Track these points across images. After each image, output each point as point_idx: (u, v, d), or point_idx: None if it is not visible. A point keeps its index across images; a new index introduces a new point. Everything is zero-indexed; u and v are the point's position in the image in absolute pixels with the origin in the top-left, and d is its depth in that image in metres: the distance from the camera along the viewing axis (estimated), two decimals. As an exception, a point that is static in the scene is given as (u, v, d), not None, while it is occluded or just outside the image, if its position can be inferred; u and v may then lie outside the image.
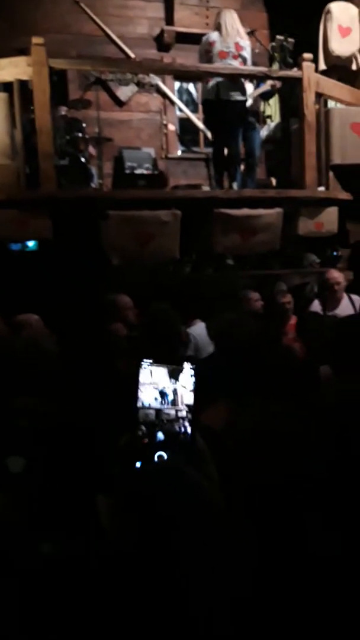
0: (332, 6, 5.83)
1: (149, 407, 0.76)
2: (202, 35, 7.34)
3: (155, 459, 0.73)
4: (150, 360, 0.78)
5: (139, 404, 0.76)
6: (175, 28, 7.34)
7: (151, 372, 0.78)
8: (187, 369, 0.78)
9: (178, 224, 4.92)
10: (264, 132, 6.46)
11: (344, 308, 4.42)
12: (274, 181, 6.19)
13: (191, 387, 0.77)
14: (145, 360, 0.78)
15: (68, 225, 4.72)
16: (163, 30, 7.35)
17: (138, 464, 0.73)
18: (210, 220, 5.03)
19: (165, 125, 7.53)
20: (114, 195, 5.60)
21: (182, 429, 0.76)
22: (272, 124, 6.76)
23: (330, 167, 5.45)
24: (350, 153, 5.42)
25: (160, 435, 0.74)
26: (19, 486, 1.23)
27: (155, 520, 0.68)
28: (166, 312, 2.86)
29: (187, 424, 0.76)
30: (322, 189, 5.45)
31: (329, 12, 5.83)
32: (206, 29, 7.49)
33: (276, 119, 6.81)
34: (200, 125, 7.75)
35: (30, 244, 5.13)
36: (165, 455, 0.73)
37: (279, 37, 6.34)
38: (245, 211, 5.12)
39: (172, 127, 7.62)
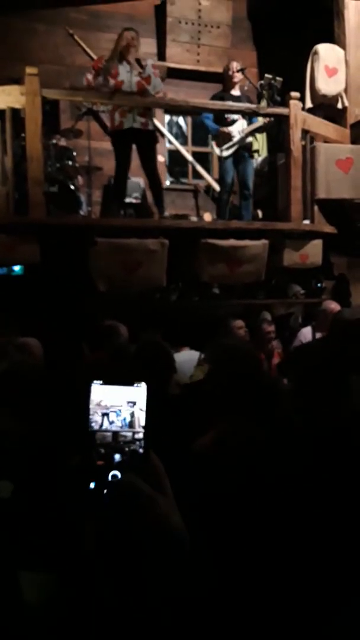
0: (320, 47, 6.03)
1: (106, 430, 0.76)
2: (193, 71, 7.61)
3: (109, 478, 0.73)
4: (101, 381, 0.78)
5: (95, 427, 0.76)
6: (166, 63, 7.53)
7: (106, 393, 0.78)
8: (142, 389, 0.79)
9: (165, 252, 4.97)
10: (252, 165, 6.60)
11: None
12: (260, 213, 6.29)
13: (144, 407, 0.78)
14: (95, 381, 0.78)
15: (56, 251, 4.75)
16: (155, 66, 7.53)
17: (92, 485, 0.73)
18: (197, 250, 5.09)
19: (155, 157, 7.65)
20: (103, 222, 5.66)
21: (139, 450, 0.76)
22: (259, 158, 6.91)
23: (315, 201, 5.57)
24: (334, 188, 5.56)
25: (117, 457, 0.75)
26: (7, 511, 1.21)
27: (113, 535, 0.68)
28: (160, 346, 2.79)
29: (143, 444, 0.76)
30: (307, 222, 5.55)
31: (316, 52, 6.03)
32: (197, 65, 7.72)
33: (263, 153, 6.97)
34: (189, 157, 7.90)
35: (17, 268, 5.14)
36: (119, 474, 0.73)
37: (267, 75, 6.55)
38: (231, 242, 5.19)
39: (161, 158, 7.73)
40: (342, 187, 5.59)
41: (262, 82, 6.74)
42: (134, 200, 6.51)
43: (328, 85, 6.01)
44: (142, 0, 7.64)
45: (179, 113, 7.93)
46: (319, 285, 5.73)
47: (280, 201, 5.79)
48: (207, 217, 6.54)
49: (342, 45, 6.13)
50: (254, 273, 5.30)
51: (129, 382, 0.78)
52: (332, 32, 6.25)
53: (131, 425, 0.76)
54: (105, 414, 0.75)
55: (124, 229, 5.08)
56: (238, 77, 5.98)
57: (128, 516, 0.68)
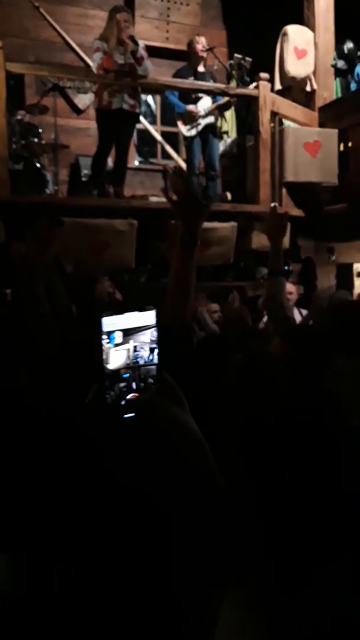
0: (289, 28, 6.00)
1: (125, 367, 0.77)
2: (162, 48, 7.49)
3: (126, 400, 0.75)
4: (112, 312, 0.78)
5: (114, 366, 0.76)
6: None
7: (118, 322, 0.78)
8: (152, 314, 0.79)
9: (134, 233, 4.92)
10: (220, 147, 6.57)
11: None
12: (229, 195, 6.29)
13: (155, 333, 0.79)
14: (105, 313, 0.78)
15: (21, 230, 4.65)
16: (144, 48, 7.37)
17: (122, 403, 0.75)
18: (166, 231, 5.05)
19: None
20: (69, 202, 5.56)
21: (153, 373, 0.78)
22: (228, 140, 6.88)
23: (283, 184, 5.59)
24: (302, 171, 5.58)
25: (132, 384, 0.77)
26: None
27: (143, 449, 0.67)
28: None
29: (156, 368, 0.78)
30: (275, 204, 5.57)
31: (285, 34, 6.00)
32: (166, 43, 7.60)
33: (232, 134, 6.94)
34: (159, 137, 7.81)
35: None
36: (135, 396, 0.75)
37: (237, 55, 6.50)
38: (200, 223, 5.18)
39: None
40: (310, 171, 5.62)
41: (231, 61, 6.70)
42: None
43: (297, 67, 6.00)
44: (111, -27, 7.46)
45: (148, 91, 7.81)
46: (286, 267, 5.77)
47: (248, 183, 5.79)
48: (175, 198, 6.49)
49: (312, 27, 6.12)
50: (222, 255, 5.31)
51: (139, 308, 0.78)
52: (301, 13, 6.23)
53: (151, 360, 0.77)
54: (126, 351, 0.76)
55: (91, 209, 5.00)
56: (204, 53, 5.89)
57: (148, 431, 0.67)
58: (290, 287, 4.80)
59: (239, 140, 6.29)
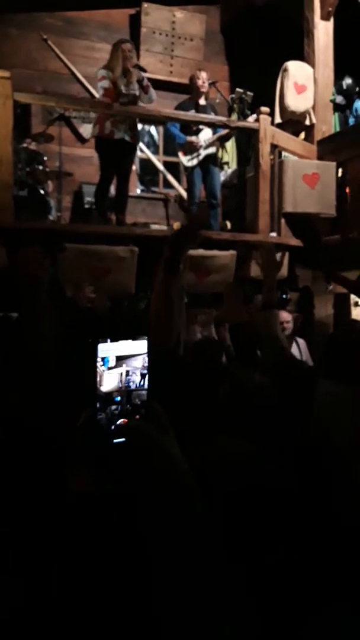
0: (289, 64, 6.17)
1: (117, 390, 0.81)
2: (166, 81, 7.69)
3: (116, 425, 0.79)
4: (108, 340, 0.83)
5: (107, 389, 0.81)
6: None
7: (112, 349, 0.82)
8: (144, 343, 0.84)
9: (135, 260, 5.00)
10: (221, 177, 6.70)
11: (290, 348, 4.57)
12: (228, 224, 6.39)
13: (146, 361, 0.83)
14: (101, 339, 0.82)
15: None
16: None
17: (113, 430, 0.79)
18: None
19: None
20: (72, 228, 5.65)
21: (143, 399, 0.82)
22: (228, 170, 7.02)
23: (282, 215, 5.69)
24: (301, 202, 5.69)
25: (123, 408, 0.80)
26: None
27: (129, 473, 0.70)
28: None
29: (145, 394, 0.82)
30: (274, 234, 5.67)
31: (286, 69, 6.17)
32: (170, 77, 7.81)
33: (233, 165, 7.08)
34: (160, 166, 7.96)
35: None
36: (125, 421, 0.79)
37: (238, 89, 6.68)
38: (200, 252, 5.26)
39: (132, 166, 7.79)
40: (309, 202, 5.73)
41: (233, 95, 6.88)
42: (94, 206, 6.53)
43: (297, 101, 6.15)
44: (118, 9, 7.70)
45: (151, 122, 8.00)
46: (284, 296, 5.84)
47: (248, 213, 5.89)
48: (177, 226, 6.60)
49: (311, 63, 6.30)
50: (221, 283, 5.37)
51: (132, 336, 0.82)
52: (302, 50, 6.42)
53: (142, 385, 0.80)
54: (119, 375, 0.80)
55: (93, 236, 5.09)
56: (205, 86, 6.06)
57: (135, 455, 0.71)
58: (286, 316, 4.86)
59: (239, 171, 6.43)
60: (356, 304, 5.83)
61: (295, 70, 6.19)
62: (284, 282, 5.79)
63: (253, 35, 7.54)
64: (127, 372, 0.82)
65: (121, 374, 0.82)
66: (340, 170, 5.87)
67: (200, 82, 6.00)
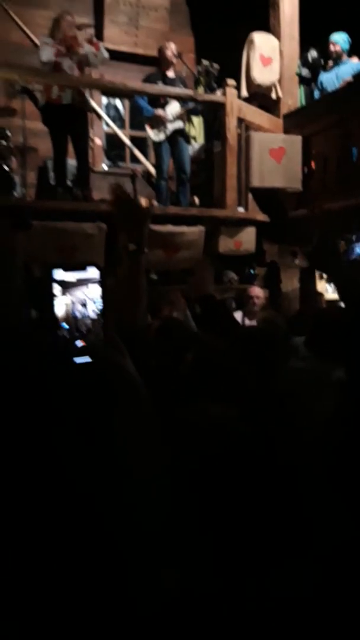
0: (255, 36, 6.13)
1: (83, 318, 0.89)
2: (131, 53, 7.55)
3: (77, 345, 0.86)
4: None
5: (76, 316, 0.89)
6: (104, 44, 7.41)
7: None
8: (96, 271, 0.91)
9: (103, 237, 4.97)
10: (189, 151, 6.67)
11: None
12: (197, 200, 6.38)
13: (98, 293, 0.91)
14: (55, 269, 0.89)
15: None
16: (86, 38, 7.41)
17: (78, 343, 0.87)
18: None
19: (92, 140, 7.57)
20: (37, 205, 5.58)
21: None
22: (196, 145, 6.97)
23: (249, 189, 5.71)
24: (267, 177, 5.72)
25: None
26: None
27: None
28: None
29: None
30: (241, 209, 5.70)
31: (252, 41, 6.13)
32: (135, 48, 7.66)
33: (200, 140, 7.04)
34: (127, 141, 7.86)
35: None
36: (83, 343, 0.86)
37: (204, 61, 6.60)
38: (169, 228, 5.26)
39: (98, 141, 7.67)
40: (275, 176, 5.76)
41: (199, 68, 6.80)
42: (69, 184, 6.44)
43: (263, 74, 6.13)
44: (80, -23, 7.49)
45: (117, 95, 7.86)
46: (251, 271, 5.90)
47: (216, 188, 5.90)
48: (145, 202, 6.55)
49: (277, 35, 6.26)
50: (190, 259, 5.40)
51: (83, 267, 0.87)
52: (267, 21, 6.37)
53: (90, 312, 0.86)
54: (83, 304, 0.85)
55: (59, 212, 5.04)
56: (174, 58, 5.97)
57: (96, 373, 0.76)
58: (258, 291, 4.93)
59: (207, 146, 6.40)
60: (321, 277, 5.93)
61: (261, 42, 6.15)
62: (251, 258, 5.85)
63: (219, 6, 7.42)
64: (72, 302, 0.88)
65: (67, 304, 0.88)
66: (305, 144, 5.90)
67: (169, 54, 5.91)
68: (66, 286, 0.95)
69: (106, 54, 5.45)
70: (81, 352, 0.83)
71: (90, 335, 0.94)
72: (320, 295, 5.83)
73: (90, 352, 0.81)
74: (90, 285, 0.97)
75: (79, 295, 0.95)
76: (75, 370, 0.78)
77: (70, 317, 0.91)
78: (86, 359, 0.79)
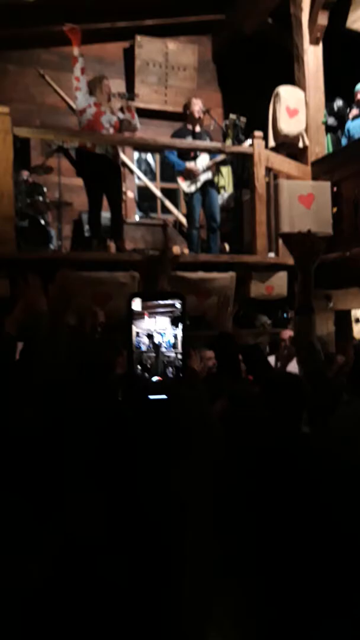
0: (281, 89, 6.33)
1: (148, 351, 0.86)
2: (161, 111, 7.87)
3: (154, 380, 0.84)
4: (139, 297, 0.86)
5: (141, 348, 0.86)
6: (135, 104, 7.74)
7: (150, 319, 0.87)
8: (177, 305, 0.88)
9: (136, 285, 5.05)
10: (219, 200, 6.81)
11: (294, 365, 4.59)
12: (227, 247, 6.47)
13: (181, 322, 0.87)
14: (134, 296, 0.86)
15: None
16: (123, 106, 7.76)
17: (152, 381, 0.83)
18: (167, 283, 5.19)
19: (124, 193, 7.82)
20: (72, 256, 5.73)
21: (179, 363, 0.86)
22: (225, 194, 7.13)
23: (279, 235, 5.77)
24: (297, 222, 5.76)
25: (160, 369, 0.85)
26: None
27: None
28: None
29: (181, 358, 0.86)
30: (272, 255, 5.74)
31: (277, 94, 6.32)
32: (164, 106, 7.99)
33: (229, 189, 7.19)
34: (158, 193, 8.09)
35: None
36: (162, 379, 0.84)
37: (232, 115, 6.83)
38: (200, 274, 5.32)
39: (130, 194, 7.92)
40: (305, 222, 5.79)
41: (226, 121, 7.03)
42: (103, 235, 6.63)
43: (289, 125, 6.28)
44: (112, 42, 7.91)
45: (148, 150, 8.16)
46: (285, 315, 5.89)
47: (246, 235, 5.98)
48: (176, 250, 6.68)
49: (302, 87, 6.45)
50: (222, 304, 5.42)
51: (166, 295, 0.86)
52: (292, 74, 6.57)
53: (174, 346, 0.84)
54: (150, 335, 0.83)
55: (93, 263, 5.16)
56: (200, 114, 6.17)
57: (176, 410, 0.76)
58: (291, 334, 4.89)
59: (236, 194, 6.53)
60: (357, 321, 5.86)
61: (287, 94, 6.33)
62: (284, 302, 5.84)
63: (244, 62, 7.72)
64: (137, 333, 0.87)
65: (152, 336, 0.87)
66: (335, 190, 5.96)
67: (196, 109, 6.14)
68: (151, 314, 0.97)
69: (139, 125, 5.68)
70: (157, 388, 0.83)
71: (157, 369, 0.94)
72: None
73: (166, 389, 0.82)
74: (158, 317, 0.98)
75: (145, 326, 0.95)
76: (151, 408, 0.79)
77: (135, 350, 0.92)
78: (162, 396, 0.80)
